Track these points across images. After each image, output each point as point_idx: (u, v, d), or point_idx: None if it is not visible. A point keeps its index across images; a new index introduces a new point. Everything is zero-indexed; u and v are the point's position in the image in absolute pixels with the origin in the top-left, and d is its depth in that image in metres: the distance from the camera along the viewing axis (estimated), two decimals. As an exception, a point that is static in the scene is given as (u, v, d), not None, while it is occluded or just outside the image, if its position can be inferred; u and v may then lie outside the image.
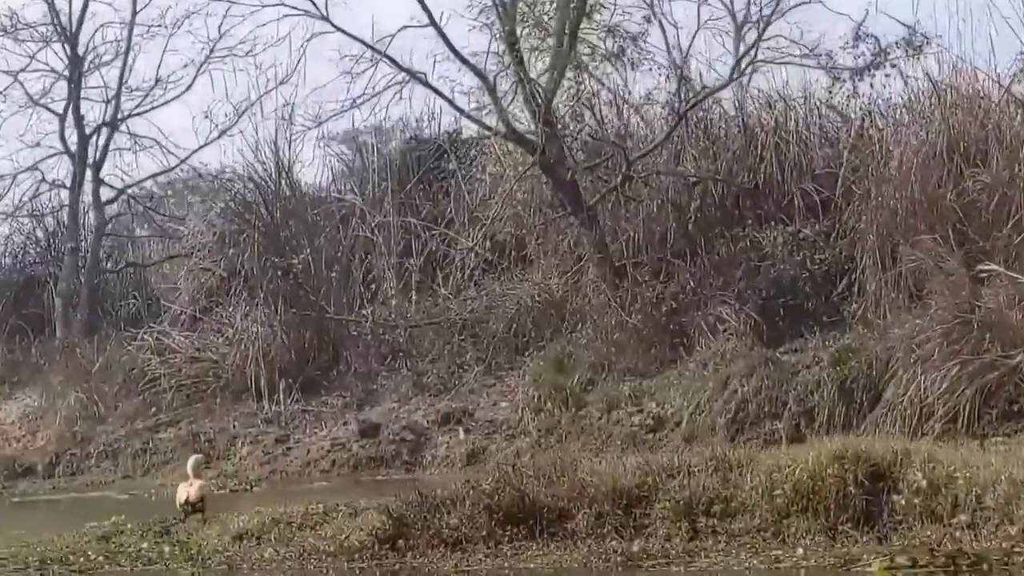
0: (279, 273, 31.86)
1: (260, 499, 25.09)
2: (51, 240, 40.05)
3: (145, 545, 19.33)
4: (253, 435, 29.88)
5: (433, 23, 30.54)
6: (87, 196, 38.93)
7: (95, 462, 30.60)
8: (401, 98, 32.65)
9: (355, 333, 31.98)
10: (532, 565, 16.79)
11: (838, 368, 24.90)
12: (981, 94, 30.00)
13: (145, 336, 33.10)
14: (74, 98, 39.39)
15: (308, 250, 32.44)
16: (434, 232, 33.48)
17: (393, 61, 31.09)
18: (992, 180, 27.80)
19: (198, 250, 37.07)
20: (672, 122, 30.77)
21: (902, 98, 30.97)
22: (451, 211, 34.33)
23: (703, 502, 17.22)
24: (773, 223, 29.94)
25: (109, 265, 39.67)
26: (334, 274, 32.89)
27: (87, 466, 30.59)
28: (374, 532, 17.61)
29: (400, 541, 17.48)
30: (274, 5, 31.37)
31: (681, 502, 17.21)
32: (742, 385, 25.57)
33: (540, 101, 30.37)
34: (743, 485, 17.51)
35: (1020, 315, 24.36)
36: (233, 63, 38.82)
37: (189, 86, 39.70)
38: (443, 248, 33.46)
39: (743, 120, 32.03)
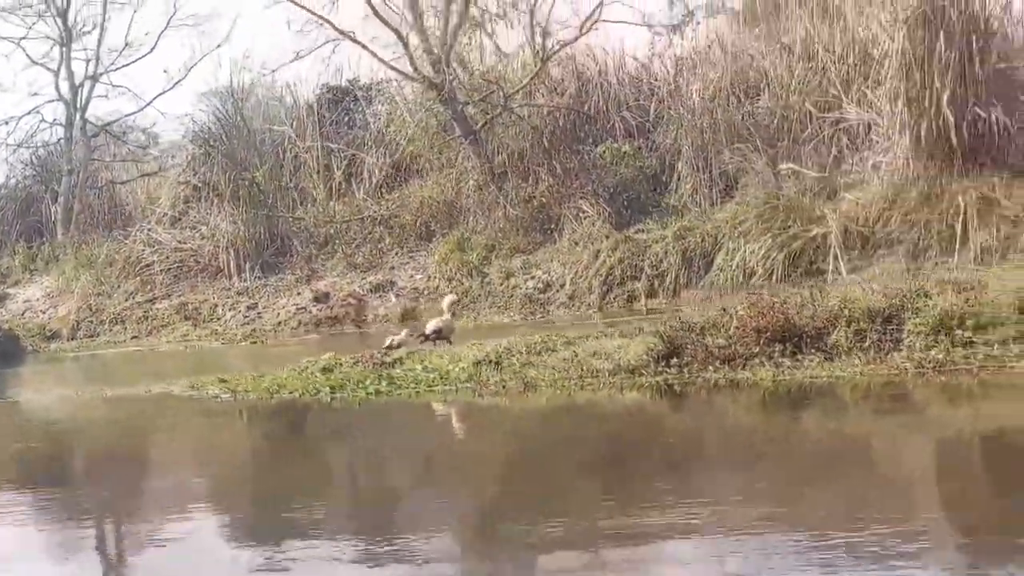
0: (245, 183, 31.70)
1: (270, 350, 25.43)
2: (46, 166, 39.25)
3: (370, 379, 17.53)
4: (229, 304, 29.57)
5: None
6: (77, 131, 38.35)
7: (107, 327, 30.16)
8: (334, 52, 33.02)
9: (296, 229, 31.94)
10: (814, 375, 14.99)
11: (679, 242, 25.31)
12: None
13: (138, 232, 32.96)
14: (65, 59, 38.78)
15: (260, 167, 32.59)
16: (346, 152, 33.67)
17: (332, 25, 30.90)
18: (768, 107, 29.11)
19: (172, 168, 36.80)
20: (535, 68, 30.85)
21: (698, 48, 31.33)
22: (359, 137, 34.02)
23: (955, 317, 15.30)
24: (602, 140, 30.34)
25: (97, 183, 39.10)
26: (279, 183, 32.86)
27: (102, 330, 30.11)
28: (649, 352, 15.86)
29: (674, 359, 15.73)
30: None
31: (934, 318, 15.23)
32: (609, 256, 25.93)
33: (440, 52, 30.34)
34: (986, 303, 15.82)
35: (810, 200, 25.60)
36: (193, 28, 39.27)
37: (153, 47, 39.33)
38: (356, 163, 33.50)
39: (575, 67, 32.06)
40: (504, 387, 16.35)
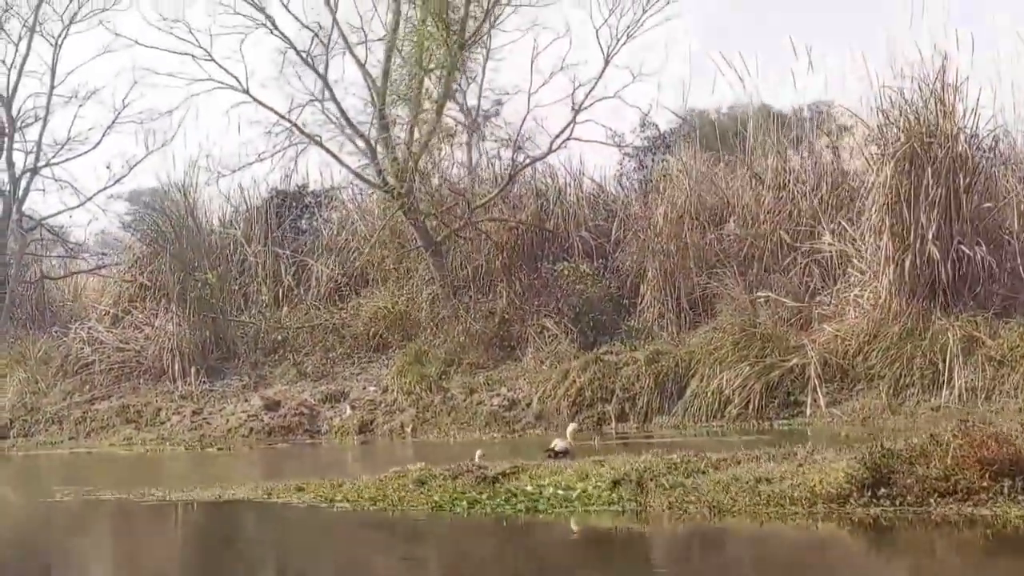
0: (195, 284, 30.63)
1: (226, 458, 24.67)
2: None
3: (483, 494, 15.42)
4: (174, 408, 28.36)
5: (334, 99, 30.01)
6: (13, 224, 36.91)
7: (43, 427, 28.82)
8: (297, 155, 31.77)
9: (242, 333, 30.99)
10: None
11: (652, 366, 24.74)
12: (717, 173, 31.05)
13: (78, 330, 31.75)
14: (6, 149, 37.54)
15: (210, 269, 31.59)
16: (295, 259, 32.91)
17: (300, 129, 30.17)
18: (735, 233, 28.86)
19: (115, 265, 35.76)
20: (503, 182, 30.30)
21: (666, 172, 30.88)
22: (309, 243, 33.41)
23: None
24: (561, 259, 29.81)
25: (28, 278, 37.63)
26: (227, 286, 31.74)
27: (38, 430, 28.77)
28: (851, 480, 13.14)
29: (882, 489, 12.96)
30: (204, 80, 30.25)
31: None
32: (579, 376, 25.17)
33: (405, 161, 29.73)
34: None
35: (787, 329, 25.18)
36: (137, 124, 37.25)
37: (97, 144, 38.06)
38: (306, 270, 32.76)
39: (535, 187, 31.67)
40: (685, 511, 13.90)
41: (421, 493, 15.88)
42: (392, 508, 15.70)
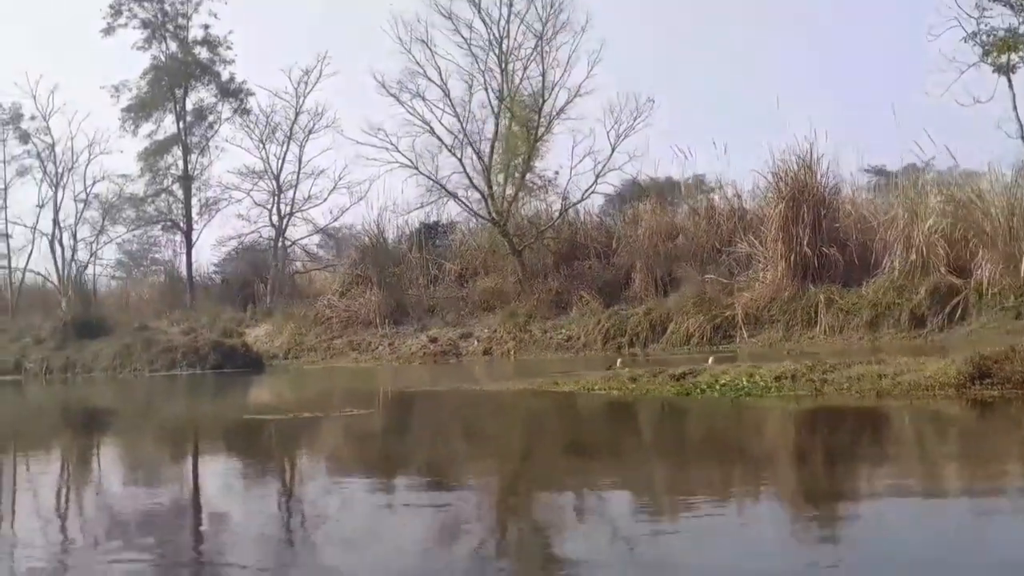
0: (385, 275, 29.91)
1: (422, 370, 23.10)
2: (256, 263, 37.39)
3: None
4: (378, 342, 27.54)
5: (464, 171, 29.48)
6: (279, 244, 36.80)
7: (305, 354, 28.07)
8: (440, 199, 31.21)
9: (411, 302, 29.66)
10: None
11: (647, 316, 23.81)
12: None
13: (322, 301, 30.67)
14: (276, 203, 37.07)
15: (393, 267, 30.94)
16: (436, 260, 32.06)
17: (444, 188, 29.70)
18: (682, 243, 28.09)
19: (333, 266, 35.44)
20: (556, 218, 29.62)
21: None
22: (443, 251, 32.34)
23: None
24: (587, 258, 28.84)
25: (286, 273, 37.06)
26: (403, 277, 30.84)
27: (302, 355, 28.05)
28: (960, 373, 10.57)
29: (986, 379, 10.42)
30: (391, 162, 29.55)
31: None
32: (606, 322, 24.37)
33: (503, 206, 29.40)
34: None
35: (722, 295, 24.19)
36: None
37: (324, 200, 37.34)
38: (443, 267, 31.67)
39: (565, 218, 30.68)
40: (852, 394, 10.91)
41: (637, 384, 12.92)
42: (649, 393, 12.50)
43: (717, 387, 12.23)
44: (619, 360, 17.07)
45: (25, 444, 12.34)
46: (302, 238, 38.54)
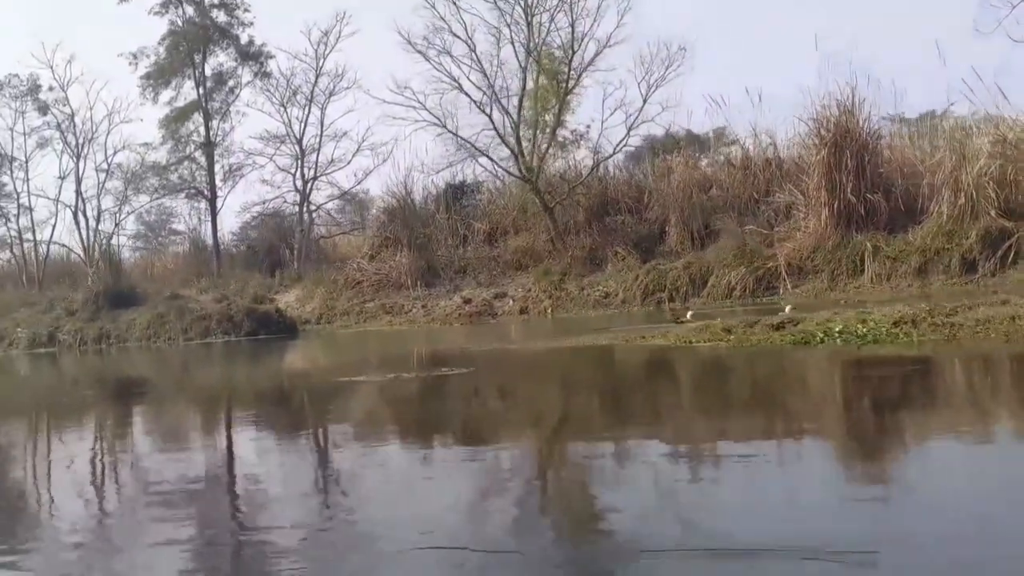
0: (415, 236, 29.52)
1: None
2: (281, 228, 37.12)
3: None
4: (411, 304, 27.30)
5: (495, 128, 28.79)
6: (304, 209, 36.45)
7: (338, 317, 27.79)
8: (468, 158, 30.68)
9: (442, 263, 29.37)
10: None
11: (686, 270, 23.43)
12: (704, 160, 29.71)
13: (351, 264, 30.57)
14: (300, 167, 36.73)
15: (422, 227, 30.56)
16: (465, 220, 31.63)
17: (474, 146, 29.16)
18: (717, 195, 27.55)
19: (356, 229, 35.12)
20: (587, 172, 29.00)
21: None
22: (470, 211, 31.73)
23: None
24: (619, 213, 28.37)
25: (312, 236, 36.80)
26: (432, 237, 30.47)
27: (334, 319, 27.70)
28: None
29: None
30: (418, 120, 28.82)
31: None
32: (644, 277, 23.98)
33: (533, 162, 28.83)
34: None
35: (763, 246, 23.81)
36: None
37: (348, 162, 37.07)
38: (471, 226, 31.25)
39: (597, 171, 30.02)
40: (985, 337, 10.08)
41: (736, 336, 12.06)
42: (760, 343, 11.51)
43: (836, 335, 11.15)
44: (689, 312, 16.70)
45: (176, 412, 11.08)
46: (325, 202, 38.29)
